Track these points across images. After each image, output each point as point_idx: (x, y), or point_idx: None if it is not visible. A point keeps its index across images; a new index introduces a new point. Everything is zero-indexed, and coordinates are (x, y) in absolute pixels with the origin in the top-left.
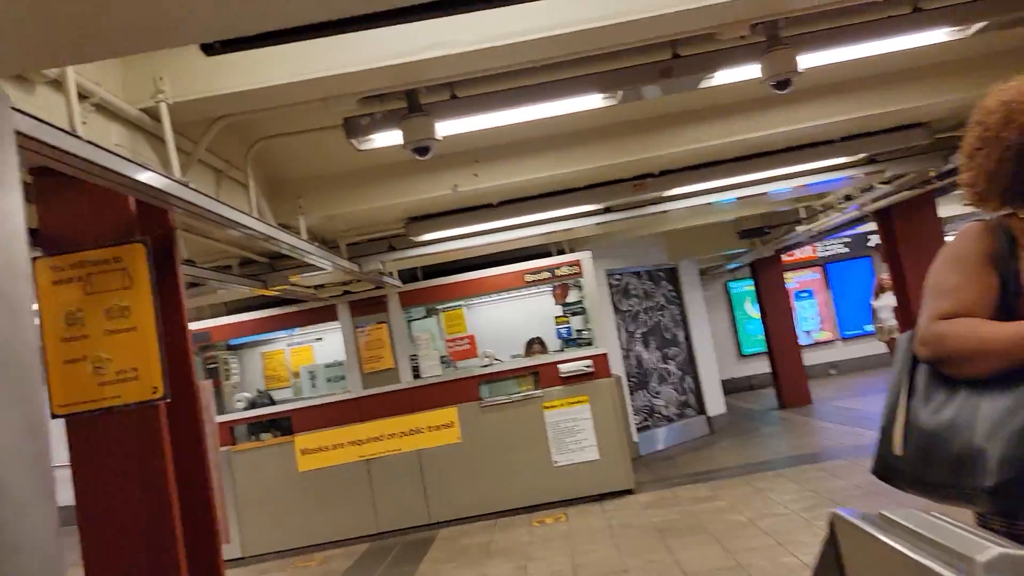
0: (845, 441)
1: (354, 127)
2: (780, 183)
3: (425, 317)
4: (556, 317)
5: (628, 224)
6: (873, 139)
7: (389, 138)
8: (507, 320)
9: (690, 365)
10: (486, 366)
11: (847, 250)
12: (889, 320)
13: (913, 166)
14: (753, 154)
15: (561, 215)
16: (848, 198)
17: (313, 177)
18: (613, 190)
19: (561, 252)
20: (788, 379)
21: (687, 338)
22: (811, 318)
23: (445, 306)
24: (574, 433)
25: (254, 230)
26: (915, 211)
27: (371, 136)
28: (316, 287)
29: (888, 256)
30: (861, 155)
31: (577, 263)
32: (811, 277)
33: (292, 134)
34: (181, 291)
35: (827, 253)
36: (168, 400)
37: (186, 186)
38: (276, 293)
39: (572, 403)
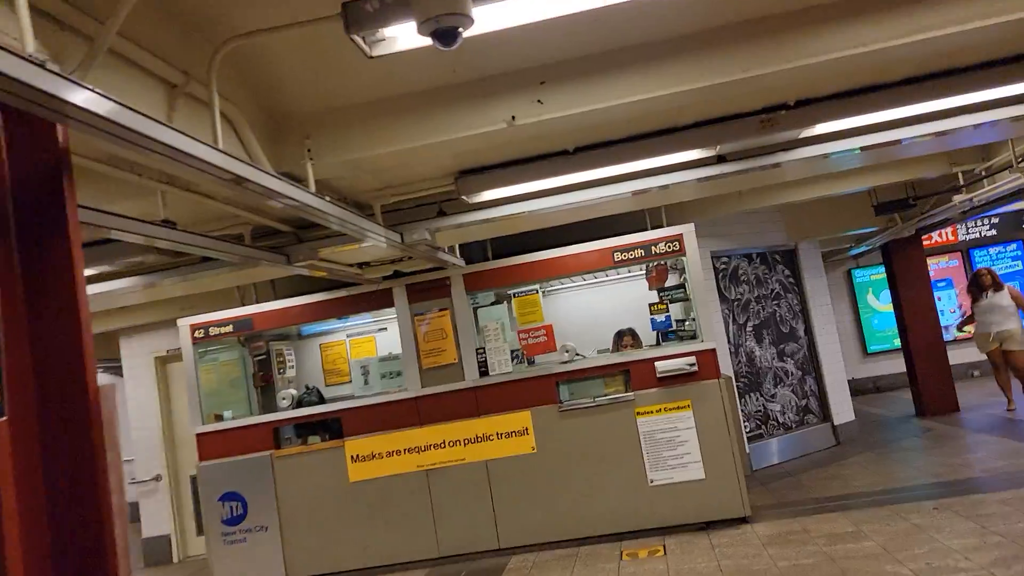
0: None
1: (356, 15)
2: (969, 117)
3: (494, 304)
4: (651, 305)
5: (742, 183)
6: None
7: (410, 36)
8: (592, 308)
9: (812, 364)
10: (566, 363)
11: (994, 232)
12: (1002, 325)
13: None
14: (930, 74)
15: (658, 166)
16: None
17: (326, 110)
18: (731, 128)
19: (657, 227)
20: (930, 382)
21: (808, 332)
22: (950, 311)
23: (518, 291)
24: (674, 446)
25: (205, 161)
26: None
27: (383, 32)
28: (359, 265)
29: None
30: None
31: (678, 238)
32: (950, 264)
33: (276, 29)
34: (76, 255)
35: (970, 236)
36: (3, 417)
37: (43, 66)
38: (307, 271)
39: (672, 409)
